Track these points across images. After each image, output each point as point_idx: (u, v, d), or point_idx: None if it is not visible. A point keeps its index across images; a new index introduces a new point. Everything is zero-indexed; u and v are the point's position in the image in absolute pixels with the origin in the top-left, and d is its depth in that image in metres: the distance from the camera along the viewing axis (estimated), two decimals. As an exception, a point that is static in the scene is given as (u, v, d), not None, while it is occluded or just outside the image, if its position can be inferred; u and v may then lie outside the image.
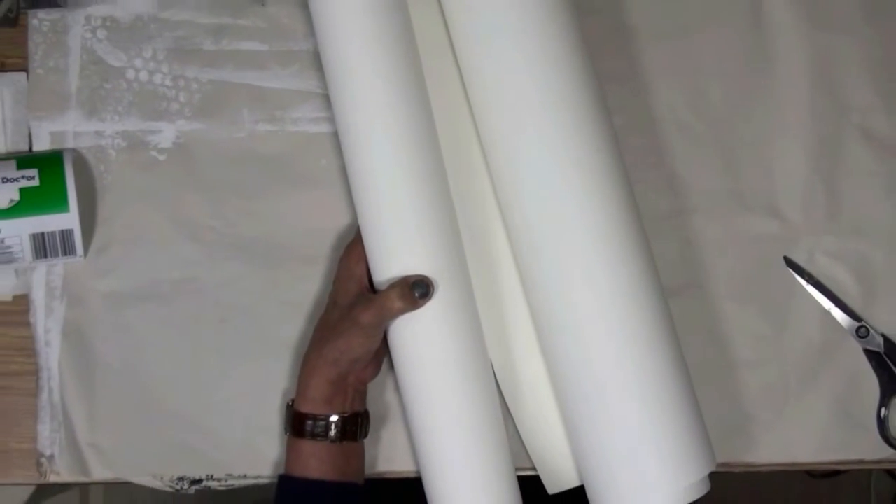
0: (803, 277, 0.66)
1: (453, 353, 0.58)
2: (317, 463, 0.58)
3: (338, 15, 0.58)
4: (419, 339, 0.58)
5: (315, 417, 0.58)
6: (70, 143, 0.65)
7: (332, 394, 0.58)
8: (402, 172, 0.57)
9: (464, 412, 0.57)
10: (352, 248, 0.61)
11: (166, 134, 0.65)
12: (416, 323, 0.57)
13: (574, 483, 0.62)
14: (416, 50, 0.60)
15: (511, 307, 0.62)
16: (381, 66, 0.57)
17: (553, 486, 0.63)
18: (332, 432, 0.58)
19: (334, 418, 0.58)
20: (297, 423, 0.58)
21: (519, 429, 0.63)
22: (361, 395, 0.61)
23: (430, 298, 0.56)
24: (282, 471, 0.60)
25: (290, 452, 0.59)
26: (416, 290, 0.56)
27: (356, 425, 0.59)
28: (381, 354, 0.61)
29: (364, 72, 0.57)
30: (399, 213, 0.57)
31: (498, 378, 0.62)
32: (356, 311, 0.57)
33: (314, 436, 0.58)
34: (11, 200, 0.60)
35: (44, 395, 0.64)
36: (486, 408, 0.58)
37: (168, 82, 0.66)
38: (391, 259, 0.57)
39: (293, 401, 0.60)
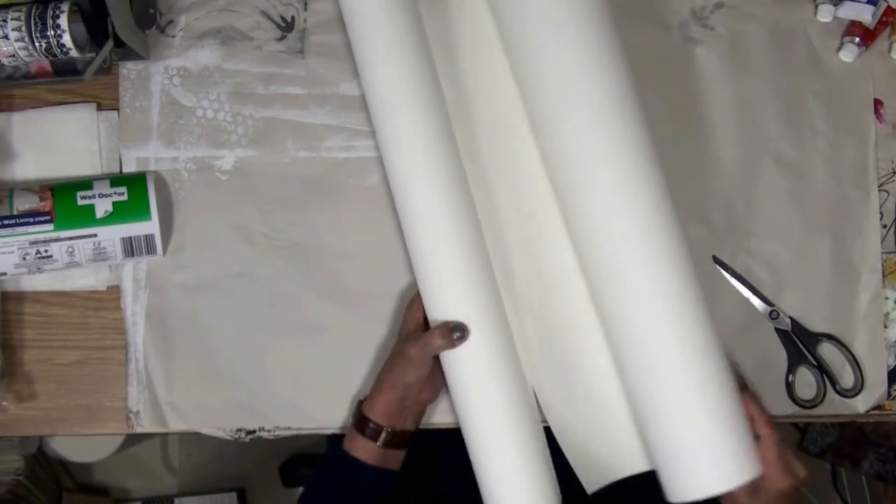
0: (727, 272, 0.66)
1: (492, 381, 0.56)
2: (364, 454, 0.58)
3: (386, 96, 0.57)
4: (464, 370, 0.57)
5: (374, 423, 0.58)
6: (152, 167, 0.65)
7: (392, 411, 0.58)
8: (447, 246, 0.57)
9: (501, 422, 0.56)
10: (414, 298, 0.60)
11: (227, 159, 0.65)
12: (460, 357, 0.56)
13: (604, 482, 0.59)
14: (445, 107, 0.59)
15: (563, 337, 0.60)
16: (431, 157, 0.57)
17: (590, 484, 0.59)
18: (381, 440, 0.58)
19: (387, 430, 0.58)
20: (360, 422, 0.59)
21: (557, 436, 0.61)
22: (416, 416, 0.61)
23: (465, 340, 0.56)
24: (318, 426, 0.60)
25: (348, 436, 0.60)
26: (455, 332, 0.55)
27: (402, 440, 0.59)
28: (438, 381, 0.60)
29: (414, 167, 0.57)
30: (445, 274, 0.57)
31: (538, 396, 0.60)
32: (407, 345, 0.57)
33: (368, 437, 0.58)
34: (106, 211, 0.60)
35: (132, 365, 0.64)
36: (525, 418, 0.57)
37: (229, 118, 0.66)
38: (438, 307, 0.57)
39: (364, 401, 0.60)
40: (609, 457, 0.59)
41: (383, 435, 0.58)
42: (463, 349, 0.56)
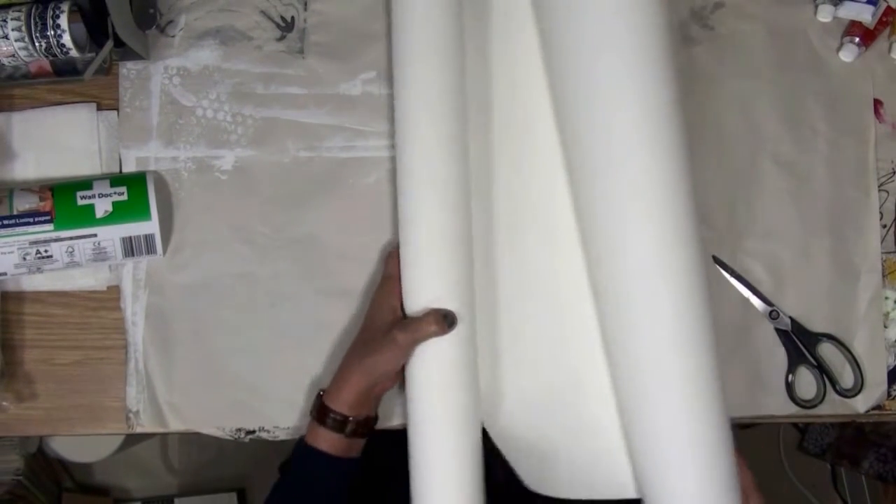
0: (727, 272, 0.66)
1: (455, 378, 0.57)
2: (327, 446, 0.58)
3: (415, 102, 0.58)
4: (435, 360, 0.57)
5: (338, 414, 0.57)
6: (151, 166, 0.65)
7: (357, 401, 0.57)
8: (442, 239, 0.57)
9: (450, 422, 0.56)
10: (385, 284, 0.60)
11: (227, 159, 0.65)
12: (431, 348, 0.56)
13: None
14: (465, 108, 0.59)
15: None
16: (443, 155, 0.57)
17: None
18: (347, 429, 0.57)
19: (352, 419, 0.57)
20: (321, 414, 0.58)
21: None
22: (378, 402, 0.61)
23: (454, 328, 0.56)
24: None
25: (309, 431, 0.59)
26: (447, 320, 0.55)
27: (366, 427, 0.59)
28: (400, 373, 0.59)
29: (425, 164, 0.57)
30: (435, 264, 0.57)
31: (483, 399, 0.60)
32: (394, 331, 0.56)
33: (331, 427, 0.57)
34: (106, 211, 0.60)
35: (131, 365, 0.64)
36: (470, 418, 0.57)
37: (229, 118, 0.66)
38: (426, 296, 0.57)
39: (324, 393, 0.59)
40: (561, 475, 0.57)
41: (349, 425, 0.57)
42: (442, 338, 0.56)
